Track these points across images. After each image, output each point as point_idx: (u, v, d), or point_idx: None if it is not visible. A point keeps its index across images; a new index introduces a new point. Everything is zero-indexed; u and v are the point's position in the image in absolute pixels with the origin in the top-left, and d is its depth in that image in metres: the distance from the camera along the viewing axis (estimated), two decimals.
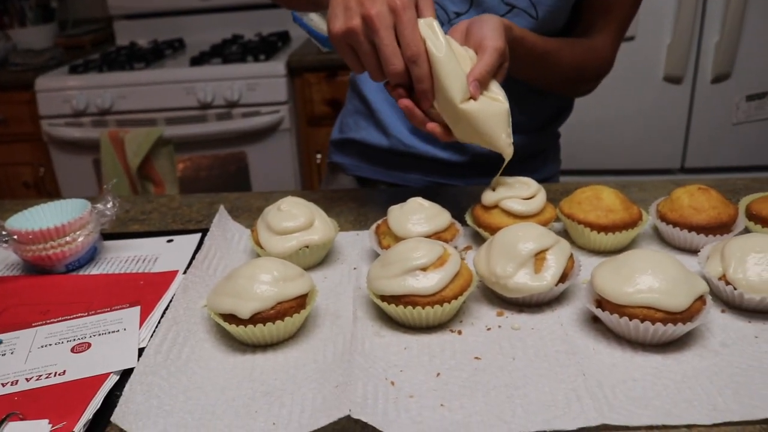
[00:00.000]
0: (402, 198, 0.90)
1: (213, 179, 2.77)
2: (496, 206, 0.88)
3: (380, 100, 1.20)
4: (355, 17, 0.80)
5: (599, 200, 0.86)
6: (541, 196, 0.88)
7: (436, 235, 0.84)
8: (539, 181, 1.26)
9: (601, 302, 0.70)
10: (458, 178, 1.20)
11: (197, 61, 2.66)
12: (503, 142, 0.85)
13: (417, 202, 0.86)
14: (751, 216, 0.90)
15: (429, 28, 0.81)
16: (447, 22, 1.10)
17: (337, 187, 1.31)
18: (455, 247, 0.91)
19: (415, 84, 0.83)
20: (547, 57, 1.04)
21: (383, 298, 0.73)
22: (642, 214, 0.89)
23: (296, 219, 0.87)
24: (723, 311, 0.75)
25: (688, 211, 0.86)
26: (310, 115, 2.65)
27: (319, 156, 2.70)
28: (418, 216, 0.85)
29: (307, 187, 2.78)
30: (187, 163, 2.74)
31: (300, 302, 0.73)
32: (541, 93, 1.17)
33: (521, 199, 0.87)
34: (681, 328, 0.66)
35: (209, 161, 2.70)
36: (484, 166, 1.18)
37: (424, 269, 0.72)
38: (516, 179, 0.90)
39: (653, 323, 0.66)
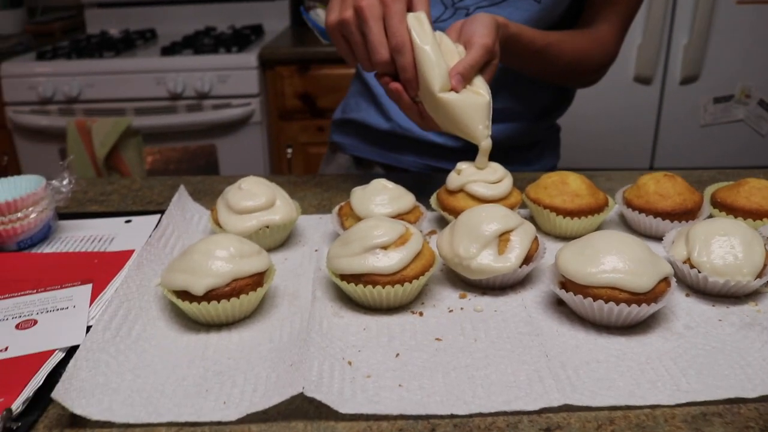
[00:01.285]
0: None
1: (182, 172, 2.72)
2: (461, 190, 0.86)
3: None
4: (349, 9, 0.83)
5: (565, 185, 0.85)
6: (507, 181, 0.87)
7: (399, 217, 0.82)
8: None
9: (565, 284, 0.69)
10: (452, 162, 1.19)
11: (168, 51, 2.61)
12: (479, 132, 0.85)
13: (381, 183, 0.85)
14: (716, 203, 0.89)
15: (417, 21, 0.83)
16: (451, 6, 1.10)
17: (335, 167, 1.32)
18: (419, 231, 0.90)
19: (400, 73, 0.84)
20: (548, 50, 1.04)
21: (343, 277, 0.71)
22: (608, 200, 0.88)
23: (257, 198, 0.85)
24: (687, 295, 0.74)
25: (654, 197, 0.86)
26: (281, 109, 2.62)
27: (290, 150, 2.67)
28: (381, 197, 0.83)
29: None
30: (156, 156, 2.69)
31: (257, 280, 0.71)
32: (538, 83, 1.18)
33: (487, 183, 0.85)
34: (645, 309, 0.65)
35: (179, 154, 2.65)
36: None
37: (384, 248, 0.70)
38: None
39: (617, 304, 0.64)
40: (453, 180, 0.87)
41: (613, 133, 2.42)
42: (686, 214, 0.85)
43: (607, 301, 0.65)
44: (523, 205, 0.91)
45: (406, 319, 0.71)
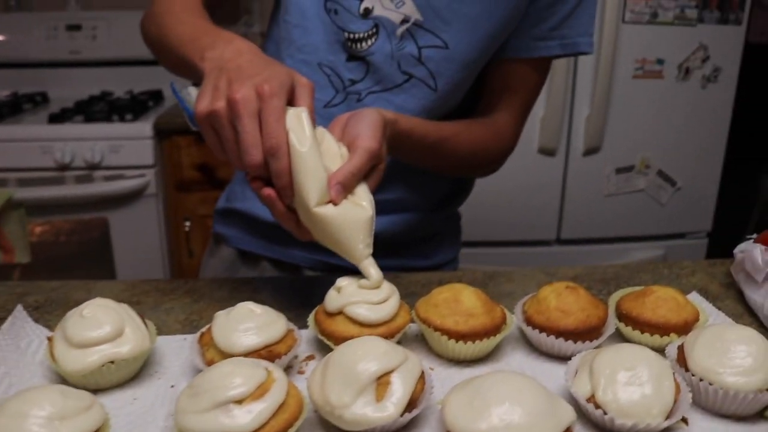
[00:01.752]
0: (242, 295, 0.76)
1: (73, 245, 2.54)
2: (340, 312, 0.76)
3: None
4: (221, 99, 0.73)
5: (458, 303, 0.76)
6: (393, 301, 0.77)
7: (267, 349, 0.70)
8: (434, 268, 1.19)
9: None
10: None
11: (57, 118, 2.45)
12: (359, 253, 0.76)
13: (247, 308, 0.73)
14: (621, 316, 0.82)
15: (297, 119, 0.73)
16: (342, 90, 1.02)
17: (218, 261, 1.19)
18: (295, 357, 0.78)
19: (273, 179, 0.74)
20: (443, 144, 0.97)
21: None
22: (506, 317, 0.80)
23: (101, 327, 0.71)
24: None
25: (556, 314, 0.78)
26: (178, 180, 2.48)
27: (188, 223, 2.52)
28: (247, 324, 0.71)
29: (175, 257, 2.58)
30: (45, 227, 2.50)
31: None
32: (431, 173, 1.10)
33: (370, 305, 0.75)
34: None
35: (71, 225, 2.47)
36: (376, 246, 1.09)
37: (239, 402, 0.58)
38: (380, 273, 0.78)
39: None
40: (331, 300, 0.76)
41: (519, 205, 2.40)
42: (590, 333, 0.77)
43: None
44: (414, 320, 0.81)
45: None
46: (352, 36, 0.99)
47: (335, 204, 0.74)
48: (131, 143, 2.39)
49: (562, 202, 2.43)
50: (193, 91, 0.86)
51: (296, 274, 1.13)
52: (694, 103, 2.40)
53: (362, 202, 0.76)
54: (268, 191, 0.75)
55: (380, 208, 1.07)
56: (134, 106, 2.53)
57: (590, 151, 2.37)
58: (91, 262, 2.57)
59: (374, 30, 0.99)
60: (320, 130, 0.78)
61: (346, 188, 0.75)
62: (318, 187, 0.72)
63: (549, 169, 2.38)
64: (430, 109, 1.01)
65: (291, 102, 0.76)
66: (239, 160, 0.75)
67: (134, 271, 2.49)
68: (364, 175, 0.78)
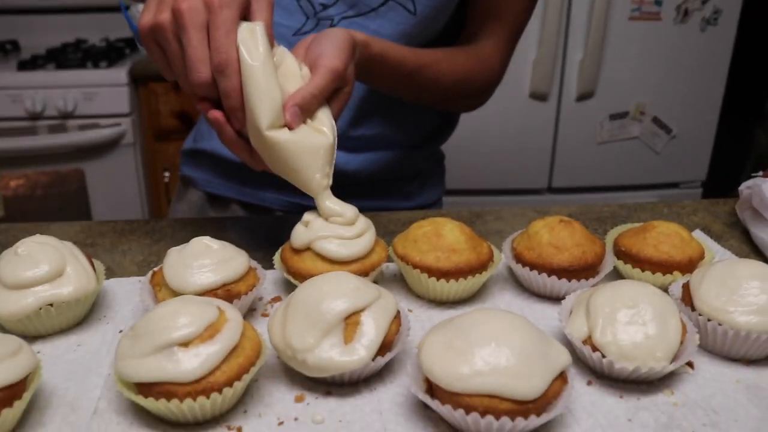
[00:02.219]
0: (207, 235, 0.68)
1: (50, 198, 2.45)
2: (308, 248, 0.68)
3: None
4: (166, 11, 0.65)
5: (440, 237, 0.68)
6: (368, 236, 0.69)
7: (224, 288, 0.62)
8: (417, 208, 1.11)
9: (432, 387, 0.52)
10: None
11: (26, 65, 2.34)
12: (315, 183, 0.68)
13: (203, 243, 0.65)
14: (620, 253, 0.75)
15: (250, 34, 0.64)
16: (313, 16, 0.93)
17: (186, 204, 1.11)
18: (260, 299, 0.71)
19: (222, 99, 0.65)
20: (422, 72, 0.88)
21: (133, 384, 0.52)
22: (493, 253, 0.72)
23: (38, 266, 0.63)
24: (589, 383, 0.58)
25: (548, 249, 0.70)
26: (156, 129, 2.38)
27: (167, 174, 2.43)
28: (202, 261, 0.63)
29: (154, 209, 2.50)
30: (20, 180, 2.41)
31: (7, 395, 0.50)
32: (413, 106, 1.01)
33: (342, 239, 0.67)
34: (534, 422, 0.48)
35: (49, 178, 2.38)
36: (353, 187, 1.02)
37: (185, 344, 0.51)
38: (341, 207, 0.70)
39: (497, 417, 0.48)
40: (298, 235, 0.68)
41: (509, 152, 2.31)
42: (586, 270, 0.70)
43: (483, 414, 0.48)
44: (390, 259, 0.74)
45: None
46: None
47: (290, 128, 0.66)
48: (106, 90, 2.29)
49: (554, 148, 2.35)
50: (142, 8, 0.77)
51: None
52: (693, 47, 2.30)
53: (322, 128, 0.68)
54: (215, 113, 0.67)
55: (358, 145, 1.00)
56: (109, 53, 2.42)
57: (583, 96, 2.28)
58: (68, 216, 2.48)
59: None
60: (281, 50, 0.69)
61: (303, 111, 0.67)
62: (271, 108, 0.64)
63: (540, 115, 2.29)
64: (409, 35, 0.92)
65: (246, 18, 0.67)
66: (185, 78, 0.66)
67: None
68: (325, 97, 0.69)
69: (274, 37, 0.68)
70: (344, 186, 1.00)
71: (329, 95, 0.70)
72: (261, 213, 1.05)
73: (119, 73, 2.29)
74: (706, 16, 2.27)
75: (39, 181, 2.42)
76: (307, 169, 0.66)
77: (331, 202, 0.68)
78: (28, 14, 2.77)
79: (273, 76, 0.64)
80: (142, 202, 2.46)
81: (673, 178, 2.50)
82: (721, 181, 2.50)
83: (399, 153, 1.03)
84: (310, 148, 0.66)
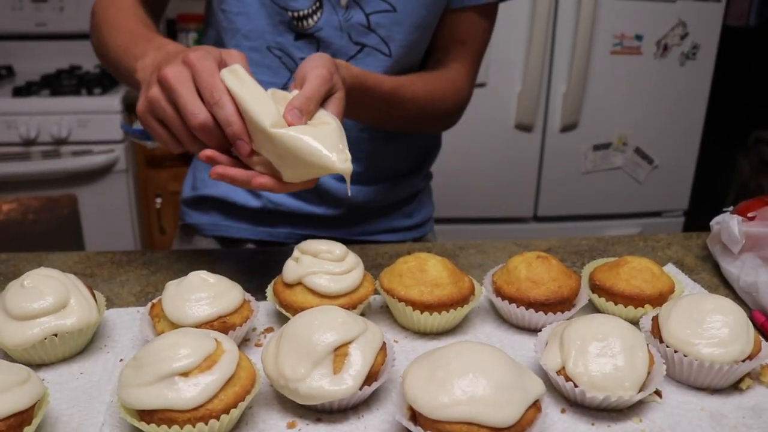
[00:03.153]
0: (202, 267, 0.72)
1: (42, 223, 2.47)
2: (299, 283, 0.72)
3: None
4: (153, 85, 0.70)
5: (423, 272, 0.72)
6: (357, 273, 0.73)
7: (220, 320, 0.66)
8: (416, 226, 1.17)
9: (415, 414, 0.55)
10: (335, 230, 1.07)
11: (22, 91, 2.37)
12: (336, 159, 0.67)
13: (199, 277, 0.68)
14: (594, 287, 0.79)
15: (232, 74, 0.68)
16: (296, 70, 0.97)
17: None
18: (253, 330, 0.74)
19: (225, 129, 0.68)
20: (398, 92, 0.93)
21: (135, 411, 0.55)
22: (474, 287, 0.76)
23: (43, 298, 0.67)
24: (563, 411, 0.62)
25: (526, 284, 0.74)
26: (149, 156, 2.41)
27: (159, 200, 2.46)
28: (199, 294, 0.67)
29: (146, 235, 2.52)
30: (12, 205, 2.43)
31: (17, 420, 0.53)
32: (406, 136, 1.08)
33: (331, 275, 0.71)
34: None
35: (40, 203, 2.40)
36: (363, 219, 1.09)
37: (185, 374, 0.54)
38: (328, 246, 0.74)
39: None
40: (289, 271, 0.72)
41: (495, 181, 2.36)
42: (562, 304, 0.74)
43: None
44: (378, 292, 0.78)
45: None
46: (296, 14, 0.94)
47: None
48: (99, 117, 2.31)
49: (539, 178, 2.40)
50: (139, 123, 0.81)
51: None
52: (673, 80, 2.37)
53: (326, 119, 0.70)
54: (209, 153, 0.69)
55: (363, 179, 1.05)
56: (103, 80, 2.45)
57: (567, 127, 2.34)
58: (60, 241, 2.50)
59: (318, 4, 0.94)
60: (270, 90, 0.72)
61: (303, 111, 0.69)
62: (270, 109, 0.66)
63: (526, 145, 2.35)
64: (388, 74, 0.97)
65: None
66: (189, 137, 0.70)
67: (105, 250, 2.43)
68: (319, 100, 0.72)
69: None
70: (359, 216, 1.06)
71: (322, 100, 0.72)
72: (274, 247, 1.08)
73: (113, 101, 2.32)
74: (685, 50, 2.35)
75: (31, 206, 2.44)
76: (323, 149, 0.66)
77: (349, 168, 0.68)
78: (23, 40, 2.81)
79: (264, 92, 0.67)
80: (134, 227, 2.48)
81: (655, 207, 2.56)
82: (704, 210, 2.54)
83: (399, 180, 1.10)
84: (319, 133, 0.67)
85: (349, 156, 0.68)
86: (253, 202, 1.05)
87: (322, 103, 0.73)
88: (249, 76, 0.68)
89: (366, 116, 0.95)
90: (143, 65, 0.76)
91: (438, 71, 1.03)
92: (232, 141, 0.69)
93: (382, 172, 1.07)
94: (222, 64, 0.70)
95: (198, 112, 0.67)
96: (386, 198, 1.09)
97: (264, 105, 0.66)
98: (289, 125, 0.67)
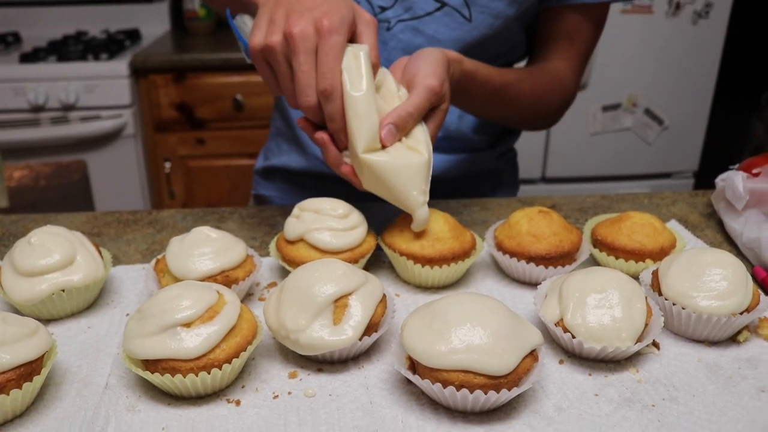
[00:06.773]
0: (208, 225, 0.73)
1: (53, 189, 2.49)
2: (301, 239, 0.72)
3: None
4: (277, 33, 0.68)
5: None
6: (360, 230, 0.73)
7: (223, 274, 0.67)
8: None
9: (413, 363, 0.56)
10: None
11: (29, 57, 2.37)
12: (413, 200, 0.69)
13: (203, 233, 0.69)
14: (596, 242, 0.80)
15: (354, 59, 0.67)
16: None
17: None
18: (257, 284, 0.75)
19: (327, 122, 0.69)
20: (506, 90, 0.91)
21: (140, 361, 0.56)
22: (476, 242, 0.77)
23: (50, 255, 0.68)
24: (561, 362, 0.63)
25: (527, 238, 0.75)
26: (157, 120, 2.42)
27: (168, 164, 2.47)
28: (202, 249, 0.68)
29: (156, 199, 2.54)
30: (24, 171, 2.44)
31: (27, 370, 0.55)
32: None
33: (334, 231, 0.72)
34: (505, 395, 0.53)
35: (51, 169, 2.42)
36: (433, 186, 1.06)
37: (188, 324, 0.56)
38: (332, 204, 0.74)
39: (471, 390, 0.52)
40: (291, 228, 0.73)
41: None
42: (563, 258, 0.75)
43: (459, 388, 0.53)
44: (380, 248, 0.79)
45: (217, 412, 0.56)
46: None
47: (385, 146, 0.69)
48: (107, 83, 2.32)
49: (548, 140, 2.39)
50: (249, 21, 0.79)
51: None
52: (684, 39, 2.34)
53: (418, 147, 0.70)
54: (321, 134, 0.71)
55: (437, 146, 1.00)
56: (110, 46, 2.45)
57: None
58: (72, 206, 2.52)
59: None
60: (382, 70, 0.72)
61: (399, 129, 0.69)
62: (368, 133, 0.67)
63: None
64: (465, 42, 0.94)
65: (353, 39, 0.70)
66: (293, 98, 0.70)
67: None
68: (422, 115, 0.71)
69: (378, 57, 0.71)
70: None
71: (425, 113, 0.72)
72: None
73: (120, 65, 2.32)
74: (698, 9, 2.31)
75: (42, 172, 2.46)
76: (403, 188, 0.68)
77: (424, 213, 0.70)
78: (30, 6, 2.80)
79: (372, 104, 0.67)
80: (144, 191, 2.50)
81: (665, 169, 2.55)
82: (714, 172, 2.52)
83: (473, 154, 1.07)
84: (405, 167, 0.68)
85: (427, 198, 0.70)
86: (302, 163, 1.06)
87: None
88: (369, 69, 0.68)
89: (467, 107, 0.93)
90: None
91: (543, 68, 1.00)
92: (330, 133, 0.70)
93: (454, 141, 1.04)
94: (352, 28, 0.69)
95: (310, 94, 0.68)
96: (457, 170, 1.06)
97: (364, 122, 0.67)
98: (382, 141, 0.68)
